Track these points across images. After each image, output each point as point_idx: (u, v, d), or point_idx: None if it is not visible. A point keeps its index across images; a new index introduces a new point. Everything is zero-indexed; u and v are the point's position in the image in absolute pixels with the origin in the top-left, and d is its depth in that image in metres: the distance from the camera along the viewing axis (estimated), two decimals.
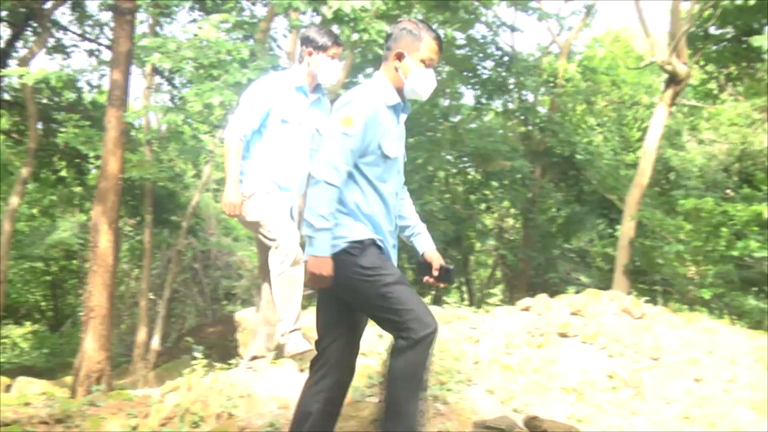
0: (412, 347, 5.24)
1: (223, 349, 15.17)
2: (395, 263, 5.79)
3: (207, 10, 17.25)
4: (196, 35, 14.02)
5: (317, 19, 14.71)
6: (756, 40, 17.84)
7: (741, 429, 7.29)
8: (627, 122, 21.45)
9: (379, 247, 5.54)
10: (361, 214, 5.52)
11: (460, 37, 18.77)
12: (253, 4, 15.97)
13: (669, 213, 18.56)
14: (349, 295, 5.52)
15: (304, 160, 7.44)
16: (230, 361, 8.00)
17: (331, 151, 5.39)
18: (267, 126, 7.36)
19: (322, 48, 7.28)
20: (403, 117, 5.82)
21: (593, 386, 7.49)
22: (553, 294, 10.02)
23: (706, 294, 16.05)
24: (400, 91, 5.69)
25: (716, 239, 16.55)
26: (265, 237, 7.36)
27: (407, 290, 5.41)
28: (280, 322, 7.22)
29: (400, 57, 5.68)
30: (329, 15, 12.44)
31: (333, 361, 5.63)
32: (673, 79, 15.09)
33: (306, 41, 7.38)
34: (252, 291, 19.45)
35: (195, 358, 7.86)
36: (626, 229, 15.12)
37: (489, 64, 19.39)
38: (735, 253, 16.17)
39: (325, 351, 5.67)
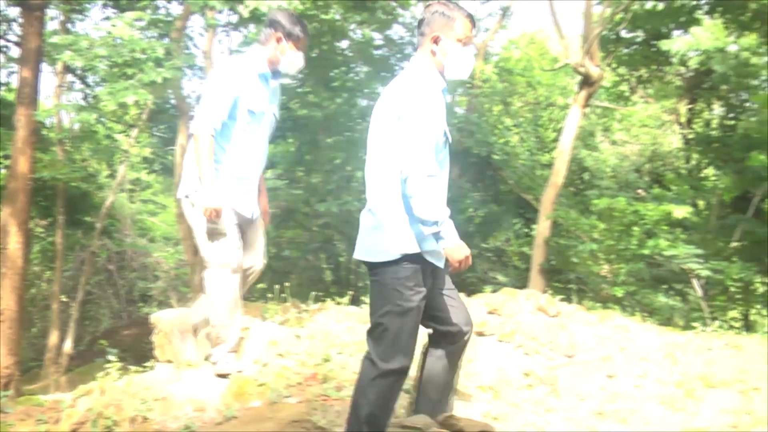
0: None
1: (138, 351, 14.94)
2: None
3: (121, 8, 16.78)
4: (109, 33, 13.78)
5: (234, 18, 14.66)
6: (664, 44, 18.28)
7: (652, 424, 7.48)
8: (542, 123, 21.71)
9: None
10: None
11: (378, 38, 18.77)
12: (169, 1, 15.72)
13: (583, 212, 18.81)
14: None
15: (264, 150, 7.30)
16: (145, 364, 7.83)
17: (420, 144, 5.33)
18: (235, 117, 6.92)
19: (294, 38, 6.99)
20: (447, 98, 5.82)
21: (509, 384, 7.54)
22: (470, 293, 10.00)
23: (619, 292, 16.33)
24: (440, 74, 5.73)
25: (628, 238, 16.86)
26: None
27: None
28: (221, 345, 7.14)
29: (436, 40, 5.71)
30: (246, 14, 12.32)
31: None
32: (587, 81, 15.27)
33: (275, 25, 7.04)
34: (168, 292, 19.29)
35: (109, 361, 7.65)
36: (542, 228, 15.31)
37: (407, 64, 19.40)
38: (646, 252, 16.48)
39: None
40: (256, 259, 7.45)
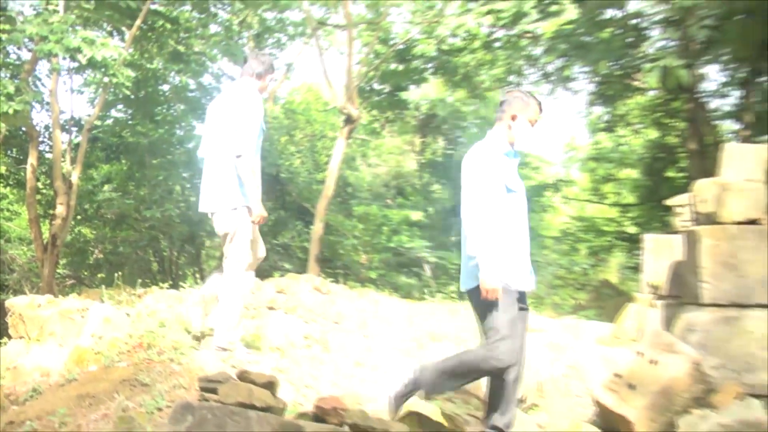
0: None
1: None
2: None
3: None
4: None
5: (74, 64, 14.15)
6: (404, 94, 18.96)
7: (394, 368, 7.85)
8: (317, 150, 21.84)
9: None
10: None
11: (192, 83, 18.47)
12: (19, 48, 14.69)
13: (347, 216, 19.28)
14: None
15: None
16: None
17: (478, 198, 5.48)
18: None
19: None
20: (517, 161, 5.93)
21: (293, 345, 7.59)
22: (263, 278, 10.06)
23: (373, 274, 16.86)
24: (512, 143, 5.85)
25: (380, 235, 17.42)
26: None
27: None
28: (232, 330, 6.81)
29: (514, 118, 5.83)
30: (84, 61, 11.89)
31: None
32: (349, 120, 15.47)
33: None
34: (22, 282, 18.41)
35: None
36: (317, 228, 15.38)
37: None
38: (392, 245, 17.10)
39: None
40: (263, 249, 7.18)
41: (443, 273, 18.62)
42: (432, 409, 6.20)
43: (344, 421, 4.48)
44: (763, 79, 14.30)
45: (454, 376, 5.65)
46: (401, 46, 16.93)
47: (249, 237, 6.71)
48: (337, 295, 9.63)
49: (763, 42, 12.39)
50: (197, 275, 19.58)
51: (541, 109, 5.91)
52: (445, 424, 5.91)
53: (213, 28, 17.80)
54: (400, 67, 18.03)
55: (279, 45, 19.88)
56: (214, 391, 4.85)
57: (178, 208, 17.81)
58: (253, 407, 4.71)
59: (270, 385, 4.99)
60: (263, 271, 14.93)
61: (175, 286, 11.40)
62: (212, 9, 17.32)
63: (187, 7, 16.62)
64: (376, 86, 19.49)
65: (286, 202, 19.78)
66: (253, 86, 6.72)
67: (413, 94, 19.10)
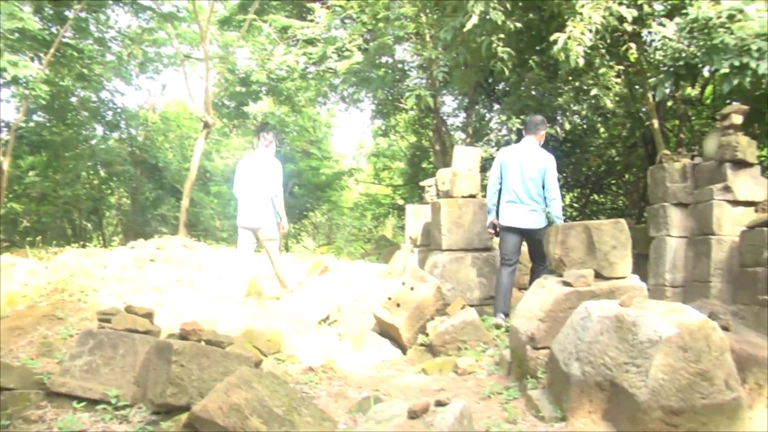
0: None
1: None
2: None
3: None
4: None
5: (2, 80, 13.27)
6: (245, 109, 18.66)
7: (239, 300, 7.82)
8: (185, 146, 21.08)
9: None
10: None
11: (93, 97, 17.69)
12: None
13: (206, 194, 18.90)
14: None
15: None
16: None
17: (555, 179, 6.66)
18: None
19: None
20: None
21: (169, 286, 7.46)
22: (147, 238, 9.74)
23: (225, 235, 16.63)
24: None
25: (229, 207, 17.19)
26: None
27: None
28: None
29: (542, 134, 6.81)
30: (9, 78, 11.19)
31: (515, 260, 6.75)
32: (206, 125, 15.04)
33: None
34: None
35: None
36: (185, 202, 14.90)
37: (110, 113, 18.46)
38: (237, 214, 16.83)
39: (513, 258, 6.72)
40: None
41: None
42: (263, 326, 6.27)
43: (201, 338, 4.51)
44: (478, 107, 15.12)
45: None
46: (243, 75, 16.68)
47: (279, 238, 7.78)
48: (200, 250, 9.39)
49: (477, 83, 13.08)
50: (100, 238, 18.68)
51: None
52: (271, 339, 6.00)
53: (109, 57, 17.14)
54: (243, 89, 17.78)
55: (157, 71, 19.21)
56: (108, 321, 4.83)
57: (84, 189, 17.36)
58: (136, 332, 4.72)
59: (149, 315, 5.01)
60: (147, 234, 14.45)
61: (83, 246, 10.93)
62: (108, 43, 16.89)
63: (90, 41, 15.93)
64: (226, 102, 19.13)
65: (163, 183, 19.14)
66: (272, 153, 7.72)
67: (252, 108, 18.80)
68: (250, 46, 17.13)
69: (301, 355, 5.98)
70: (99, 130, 18.72)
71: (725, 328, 4.28)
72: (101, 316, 4.91)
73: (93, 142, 18.42)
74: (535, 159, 6.63)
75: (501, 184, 6.79)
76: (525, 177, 6.60)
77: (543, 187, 6.62)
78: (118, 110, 18.54)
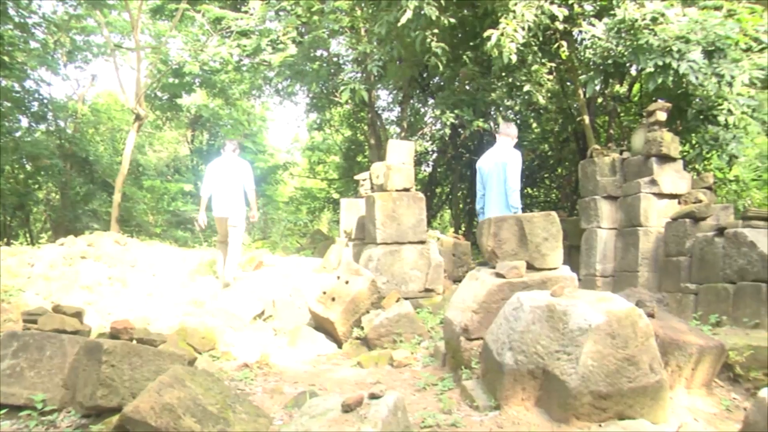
0: None
1: None
2: None
3: None
4: None
5: None
6: (179, 101, 18.20)
7: (172, 294, 7.70)
8: (116, 139, 20.45)
9: None
10: None
11: (17, 86, 16.80)
12: None
13: (139, 188, 18.35)
14: None
15: None
16: None
17: (517, 176, 6.78)
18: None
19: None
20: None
21: (100, 284, 7.26)
22: (77, 235, 9.46)
23: (158, 230, 16.21)
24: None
25: (162, 201, 16.74)
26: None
27: None
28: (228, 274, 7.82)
29: (514, 137, 7.02)
30: None
31: None
32: (138, 118, 14.60)
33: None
34: None
35: None
36: (117, 197, 14.43)
37: (36, 104, 17.64)
38: (171, 209, 16.47)
39: None
40: None
41: (208, 228, 18.28)
42: (198, 323, 6.14)
43: (133, 336, 4.39)
44: (412, 101, 15.19)
45: None
46: (176, 66, 16.22)
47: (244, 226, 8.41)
48: (133, 246, 9.21)
49: (412, 77, 13.13)
50: (27, 235, 17.91)
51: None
52: (206, 336, 5.88)
53: (33, 44, 16.30)
54: (176, 81, 17.31)
55: (86, 60, 18.46)
56: (35, 321, 4.65)
57: (9, 184, 16.56)
58: (65, 332, 4.56)
59: (78, 314, 4.86)
60: (77, 231, 13.95)
61: (8, 244, 10.47)
62: (32, 29, 15.98)
63: (9, 26, 15.05)
64: (159, 93, 18.62)
65: (94, 178, 18.43)
66: (238, 155, 8.45)
67: (185, 101, 18.34)
68: (183, 36, 16.71)
69: (236, 352, 5.88)
70: (24, 121, 17.80)
71: (651, 315, 4.44)
72: (27, 316, 4.69)
73: (17, 134, 17.41)
74: (501, 156, 6.95)
75: (484, 188, 7.11)
76: (498, 175, 6.93)
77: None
78: (45, 101, 17.68)
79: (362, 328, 6.19)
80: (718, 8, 9.05)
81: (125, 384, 3.95)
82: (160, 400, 3.39)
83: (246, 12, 14.28)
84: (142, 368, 4.06)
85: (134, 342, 4.30)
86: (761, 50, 9.07)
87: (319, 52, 14.05)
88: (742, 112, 9.14)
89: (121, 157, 16.26)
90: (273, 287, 7.55)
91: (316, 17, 12.79)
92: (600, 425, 3.51)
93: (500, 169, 6.85)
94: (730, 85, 8.36)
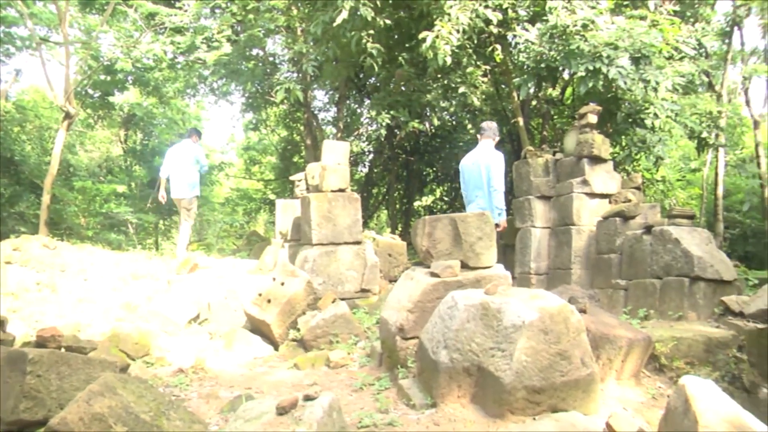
0: None
1: None
2: None
3: None
4: None
5: None
6: (111, 99, 17.63)
7: (103, 300, 7.42)
8: (45, 138, 19.36)
9: None
10: None
11: None
12: None
13: (70, 189, 17.64)
14: None
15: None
16: None
17: (501, 176, 6.97)
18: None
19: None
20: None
21: (27, 290, 6.96)
22: (2, 239, 8.96)
23: (90, 233, 15.64)
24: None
25: (94, 203, 16.17)
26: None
27: None
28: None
29: (495, 138, 7.20)
30: None
31: None
32: (68, 116, 14.08)
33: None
34: None
35: None
36: (45, 199, 13.87)
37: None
38: (104, 210, 15.93)
39: None
40: None
41: (143, 230, 17.89)
42: (131, 328, 5.95)
43: (61, 344, 4.20)
44: (349, 102, 15.16)
45: None
46: (107, 62, 15.69)
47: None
48: (63, 250, 8.86)
49: (348, 78, 13.09)
50: None
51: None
52: (139, 341, 5.69)
53: None
54: (108, 78, 16.76)
55: (8, 54, 17.50)
56: None
57: None
58: None
59: (0, 323, 4.58)
60: (2, 234, 13.32)
61: None
62: None
63: None
64: (90, 91, 17.91)
65: (20, 178, 17.59)
66: (197, 143, 9.91)
67: (118, 98, 17.77)
68: (115, 32, 16.10)
69: (171, 357, 5.73)
70: None
71: (582, 311, 4.55)
72: None
73: None
74: (484, 158, 7.10)
75: (467, 189, 7.30)
76: (480, 175, 7.09)
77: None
78: None
79: (298, 330, 6.12)
80: (643, 18, 9.37)
81: (52, 395, 3.80)
82: (90, 410, 3.28)
83: (180, 8, 13.96)
84: (71, 378, 3.92)
85: (63, 350, 4.13)
86: (681, 59, 9.47)
87: (254, 51, 13.86)
88: (667, 116, 9.51)
89: (49, 157, 15.62)
90: (208, 290, 7.39)
91: (251, 15, 12.60)
92: (534, 419, 3.57)
93: (482, 169, 6.99)
94: (655, 90, 8.67)
